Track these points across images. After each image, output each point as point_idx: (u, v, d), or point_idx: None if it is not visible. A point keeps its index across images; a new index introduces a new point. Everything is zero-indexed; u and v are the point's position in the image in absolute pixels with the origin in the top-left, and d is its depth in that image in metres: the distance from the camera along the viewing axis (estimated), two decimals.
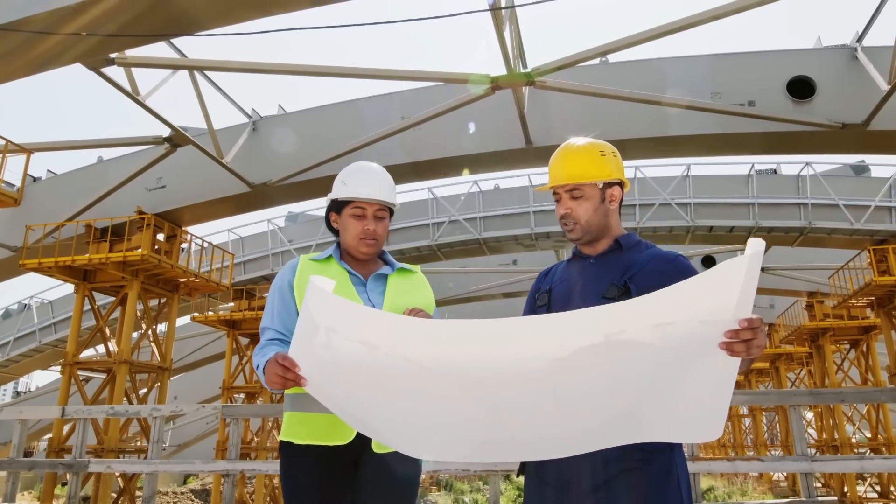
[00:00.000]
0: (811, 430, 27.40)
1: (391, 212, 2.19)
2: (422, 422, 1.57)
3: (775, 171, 15.56)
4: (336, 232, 2.21)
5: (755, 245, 1.26)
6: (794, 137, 10.47)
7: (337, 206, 2.17)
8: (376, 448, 1.96)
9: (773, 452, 30.49)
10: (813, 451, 23.20)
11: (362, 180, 2.14)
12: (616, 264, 1.85)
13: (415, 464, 2.01)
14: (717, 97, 10.40)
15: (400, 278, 2.18)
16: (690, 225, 14.89)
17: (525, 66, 9.81)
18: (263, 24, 8.28)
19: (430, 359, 1.43)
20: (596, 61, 10.54)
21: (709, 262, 18.45)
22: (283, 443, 2.03)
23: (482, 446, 1.60)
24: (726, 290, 1.28)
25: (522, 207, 15.88)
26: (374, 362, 1.48)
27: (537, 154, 11.13)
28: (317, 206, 20.99)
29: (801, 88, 10.25)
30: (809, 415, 27.49)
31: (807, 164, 14.76)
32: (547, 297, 1.91)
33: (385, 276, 2.16)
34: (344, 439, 1.95)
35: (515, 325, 1.38)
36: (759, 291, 19.54)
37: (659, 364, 1.35)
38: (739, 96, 10.35)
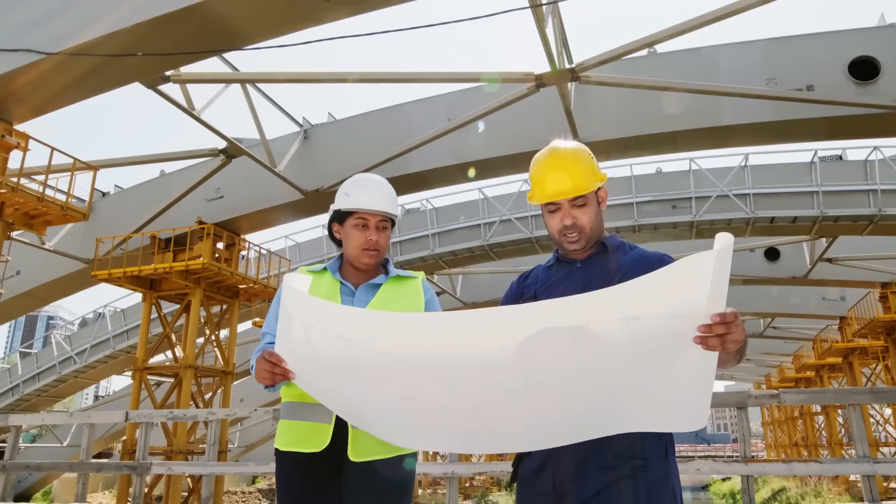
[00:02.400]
0: (890, 428, 26.03)
1: (393, 223, 2.20)
2: (406, 413, 1.58)
3: (840, 157, 14.85)
4: (338, 242, 2.23)
5: (723, 240, 1.22)
6: (858, 121, 9.97)
7: (339, 217, 2.19)
8: (353, 456, 1.96)
9: (850, 452, 29.05)
10: (893, 450, 21.98)
11: (365, 191, 2.15)
12: (603, 267, 1.80)
13: (401, 471, 2.00)
14: (772, 83, 10.01)
15: (392, 286, 2.17)
16: (750, 216, 14.36)
17: (571, 62, 9.70)
18: (309, 34, 8.48)
19: (402, 351, 1.45)
20: (643, 52, 10.31)
21: (772, 254, 17.77)
22: (275, 449, 2.11)
23: (469, 437, 1.60)
24: (695, 285, 1.25)
25: None
26: (351, 356, 1.50)
27: None
28: None
29: (863, 69, 9.75)
30: (888, 411, 26.11)
31: (875, 148, 14.02)
32: (532, 301, 1.87)
33: (377, 286, 2.16)
34: (318, 446, 1.97)
35: (477, 316, 1.36)
36: (829, 283, 18.90)
37: (632, 358, 1.33)
38: (797, 81, 9.94)
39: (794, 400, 4.33)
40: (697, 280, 1.25)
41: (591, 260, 1.85)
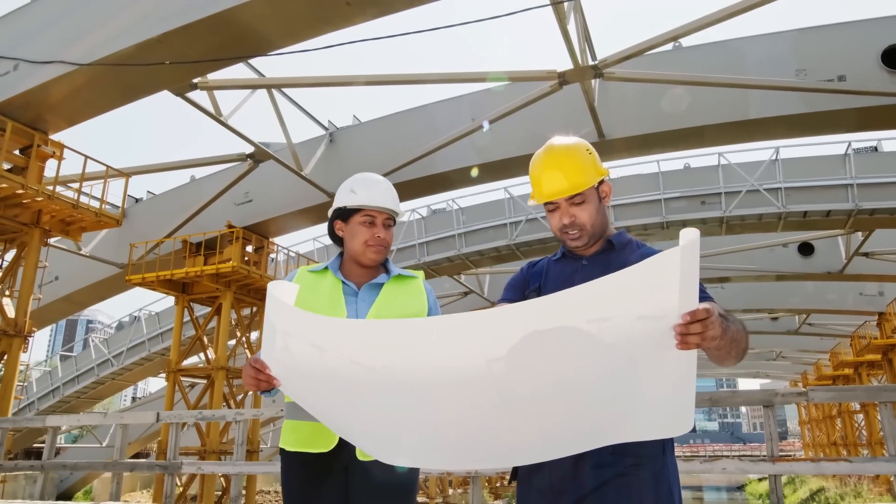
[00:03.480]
0: None
1: (394, 222, 2.22)
2: (388, 426, 1.53)
3: (875, 149, 14.46)
4: (338, 240, 2.23)
5: (689, 234, 1.19)
6: (893, 111, 9.71)
7: (343, 215, 2.18)
8: (360, 455, 1.96)
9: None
10: None
11: (371, 189, 2.17)
12: (609, 265, 1.74)
13: (406, 470, 1.98)
14: (802, 74, 9.81)
15: (394, 286, 2.16)
16: (782, 211, 14.06)
17: (594, 58, 9.63)
18: (331, 38, 8.59)
19: (375, 361, 1.41)
20: (668, 47, 10.19)
21: (805, 249, 17.38)
22: (280, 449, 2.12)
23: (454, 454, 1.56)
24: (664, 285, 1.21)
25: None
26: (325, 364, 1.48)
27: (611, 147, 10.89)
28: None
29: None
30: None
31: None
32: (535, 296, 1.81)
33: (380, 286, 2.15)
34: (326, 446, 1.98)
35: (445, 322, 1.33)
36: (866, 278, 18.42)
37: (605, 364, 1.29)
38: (828, 71, 9.72)
39: (822, 398, 4.24)
40: (664, 279, 1.21)
41: (597, 257, 1.82)
